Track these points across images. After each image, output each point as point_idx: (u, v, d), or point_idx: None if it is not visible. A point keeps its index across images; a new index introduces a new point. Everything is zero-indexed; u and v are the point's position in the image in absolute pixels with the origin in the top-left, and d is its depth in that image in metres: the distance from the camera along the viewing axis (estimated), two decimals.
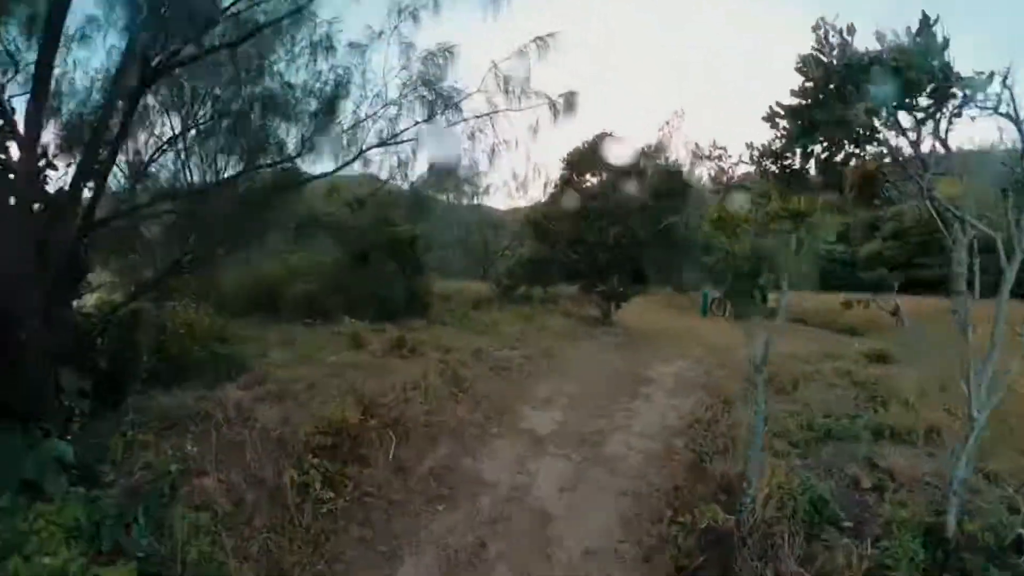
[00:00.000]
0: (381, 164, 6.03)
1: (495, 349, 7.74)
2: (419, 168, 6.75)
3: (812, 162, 3.01)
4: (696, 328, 12.87)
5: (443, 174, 7.44)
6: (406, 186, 7.20)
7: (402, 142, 5.88)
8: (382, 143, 5.78)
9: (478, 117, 5.91)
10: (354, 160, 5.74)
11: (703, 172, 11.65)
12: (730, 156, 3.64)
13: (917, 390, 5.16)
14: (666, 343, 9.42)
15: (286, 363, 5.39)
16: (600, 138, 12.17)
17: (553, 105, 5.91)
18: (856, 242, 29.63)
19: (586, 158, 12.19)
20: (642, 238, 10.72)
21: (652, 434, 4.81)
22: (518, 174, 13.74)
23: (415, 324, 9.52)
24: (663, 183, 11.54)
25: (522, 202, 15.82)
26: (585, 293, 12.14)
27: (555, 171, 13.15)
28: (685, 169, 12.11)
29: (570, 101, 6.02)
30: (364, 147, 5.73)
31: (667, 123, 12.92)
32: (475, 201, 28.72)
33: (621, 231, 10.28)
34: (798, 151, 3.00)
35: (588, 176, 12.30)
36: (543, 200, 12.93)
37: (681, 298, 24.85)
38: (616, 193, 11.01)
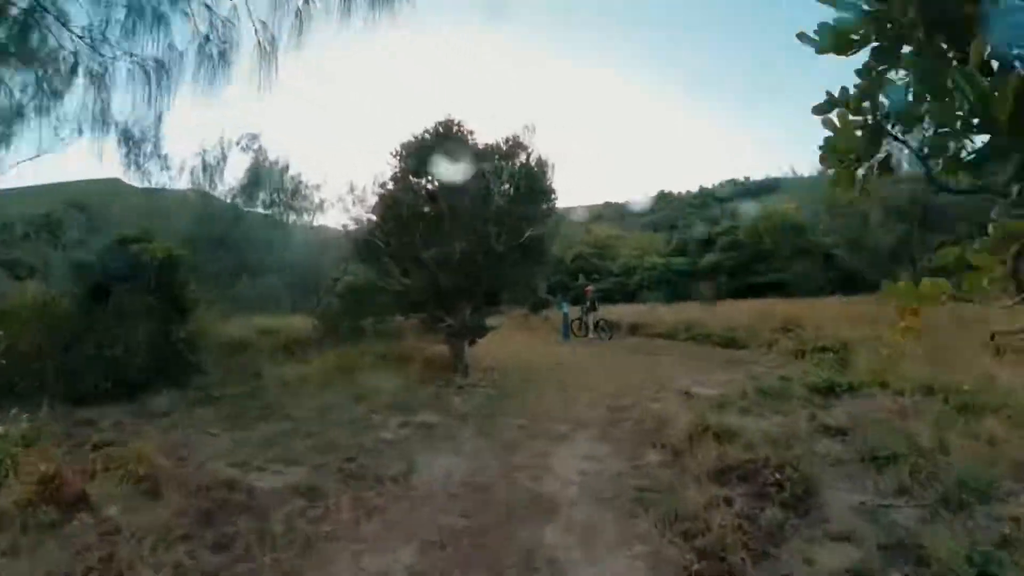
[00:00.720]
0: None
1: (259, 464, 4.25)
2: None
3: None
4: (568, 360, 10.60)
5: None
6: None
7: None
8: None
9: None
10: None
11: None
12: None
13: None
14: (548, 401, 6.74)
15: None
16: (447, 126, 9.29)
17: None
18: (695, 254, 32.42)
19: (427, 151, 9.18)
20: (499, 252, 7.99)
21: None
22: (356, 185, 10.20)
23: (155, 405, 5.70)
24: (526, 185, 9.04)
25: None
26: (428, 329, 9.02)
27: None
28: (550, 172, 9.79)
29: None
30: None
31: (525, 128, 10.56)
32: (309, 219, 23.84)
33: (473, 244, 7.41)
34: None
35: (429, 175, 9.27)
36: (370, 209, 9.52)
37: (534, 318, 23.28)
38: (466, 195, 8.16)
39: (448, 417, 5.93)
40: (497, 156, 9.16)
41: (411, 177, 9.42)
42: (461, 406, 6.43)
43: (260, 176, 27.89)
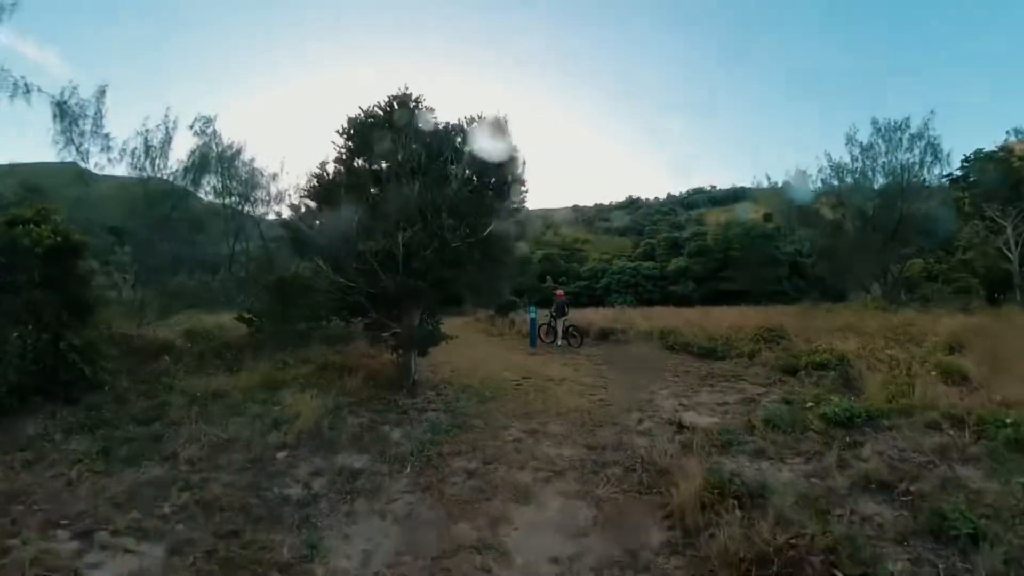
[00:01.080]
0: None
1: (108, 534, 2.84)
2: None
3: None
4: (536, 372, 9.34)
5: None
6: None
7: None
8: None
9: None
10: None
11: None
12: None
13: None
14: (512, 433, 5.40)
15: None
16: (403, 100, 7.89)
17: None
18: (663, 259, 32.02)
19: (376, 127, 7.75)
20: (456, 248, 6.64)
21: None
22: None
23: (19, 431, 4.87)
24: (491, 173, 7.75)
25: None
26: (374, 338, 7.58)
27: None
28: (520, 162, 8.51)
29: None
30: None
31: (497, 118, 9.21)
32: (265, 210, 21.83)
33: (423, 237, 6.04)
34: None
35: (378, 156, 7.84)
36: (304, 194, 8.01)
37: (500, 322, 21.99)
38: (419, 181, 6.80)
39: (380, 460, 4.54)
40: (460, 138, 7.83)
41: (356, 158, 7.98)
42: (401, 441, 5.04)
43: (209, 161, 25.65)
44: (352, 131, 7.95)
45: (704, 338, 11.94)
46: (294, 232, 7.94)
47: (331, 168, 7.94)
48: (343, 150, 8.02)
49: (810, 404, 5.63)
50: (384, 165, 7.56)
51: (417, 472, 4.28)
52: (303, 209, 8.08)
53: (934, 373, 6.90)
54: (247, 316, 8.55)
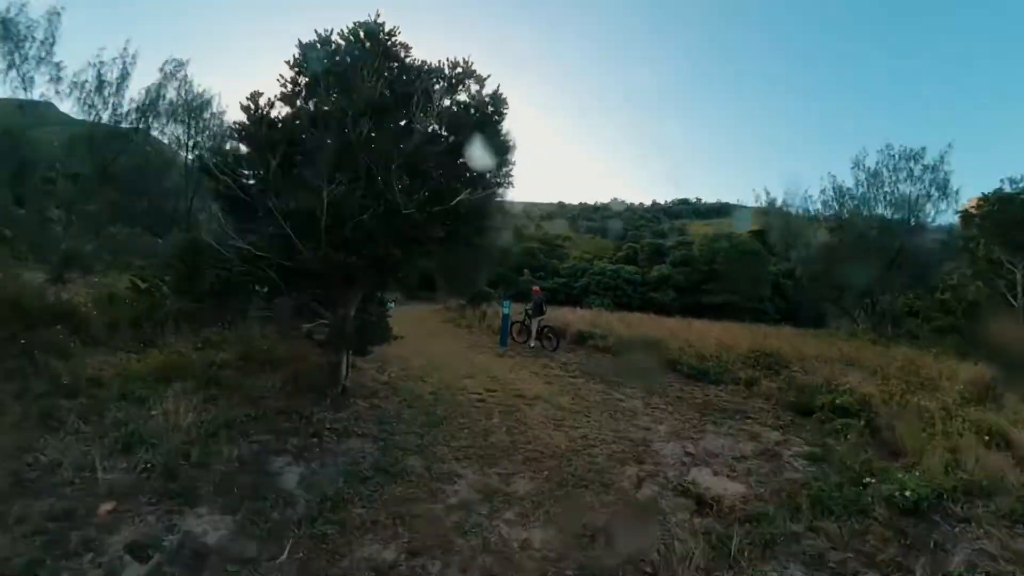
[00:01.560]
0: None
1: None
2: None
3: None
4: (504, 380, 7.78)
5: None
6: None
7: None
8: None
9: None
10: None
11: None
12: None
13: None
14: (461, 485, 3.82)
15: None
16: (370, 31, 6.15)
17: None
18: (645, 264, 30.85)
19: (333, 60, 6.01)
20: (412, 219, 4.99)
21: None
22: None
23: None
24: (468, 131, 6.13)
25: None
26: (283, 327, 5.88)
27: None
28: (506, 128, 6.91)
29: None
30: None
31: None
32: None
33: (362, 200, 4.36)
34: None
35: (331, 94, 6.08)
36: (231, 135, 6.25)
37: (472, 314, 20.35)
38: (369, 124, 5.13)
39: (249, 528, 2.90)
40: (438, 84, 6.16)
41: (303, 97, 6.23)
42: (294, 492, 3.41)
43: (173, 106, 23.06)
44: (303, 62, 6.18)
45: (694, 356, 10.62)
46: (214, 181, 6.14)
47: (265, 102, 6.15)
48: (290, 84, 6.25)
49: (865, 477, 4.24)
50: (335, 105, 5.84)
51: (299, 561, 2.67)
52: (229, 156, 6.30)
53: (973, 432, 5.70)
54: (141, 282, 6.69)
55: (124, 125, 20.52)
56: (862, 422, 6.17)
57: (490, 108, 6.27)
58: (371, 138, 4.60)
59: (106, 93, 19.38)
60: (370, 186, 4.29)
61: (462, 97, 6.39)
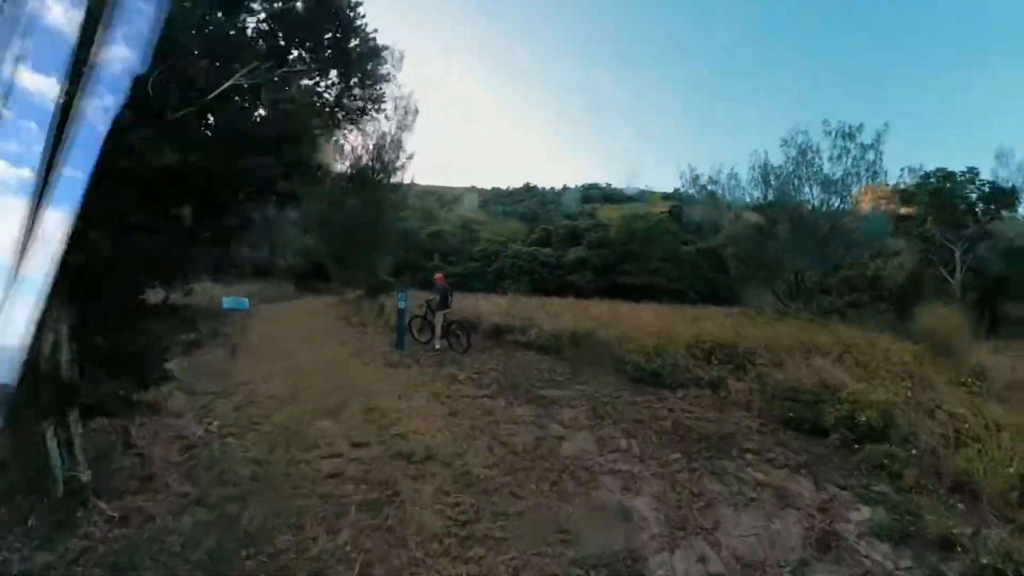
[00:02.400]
0: None
1: None
2: None
3: None
4: (385, 409, 5.04)
5: None
6: None
7: None
8: None
9: None
10: None
11: None
12: None
13: None
14: None
15: None
16: None
17: None
18: (561, 247, 29.07)
19: None
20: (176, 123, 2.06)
21: None
22: None
23: None
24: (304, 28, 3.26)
25: None
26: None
27: None
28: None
29: None
30: None
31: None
32: None
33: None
34: None
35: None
36: None
37: (368, 306, 17.13)
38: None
39: None
40: None
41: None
42: None
43: None
44: None
45: (638, 352, 8.54)
46: None
47: None
48: None
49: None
50: None
51: None
52: None
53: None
54: None
55: None
56: (909, 451, 4.27)
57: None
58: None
59: None
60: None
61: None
